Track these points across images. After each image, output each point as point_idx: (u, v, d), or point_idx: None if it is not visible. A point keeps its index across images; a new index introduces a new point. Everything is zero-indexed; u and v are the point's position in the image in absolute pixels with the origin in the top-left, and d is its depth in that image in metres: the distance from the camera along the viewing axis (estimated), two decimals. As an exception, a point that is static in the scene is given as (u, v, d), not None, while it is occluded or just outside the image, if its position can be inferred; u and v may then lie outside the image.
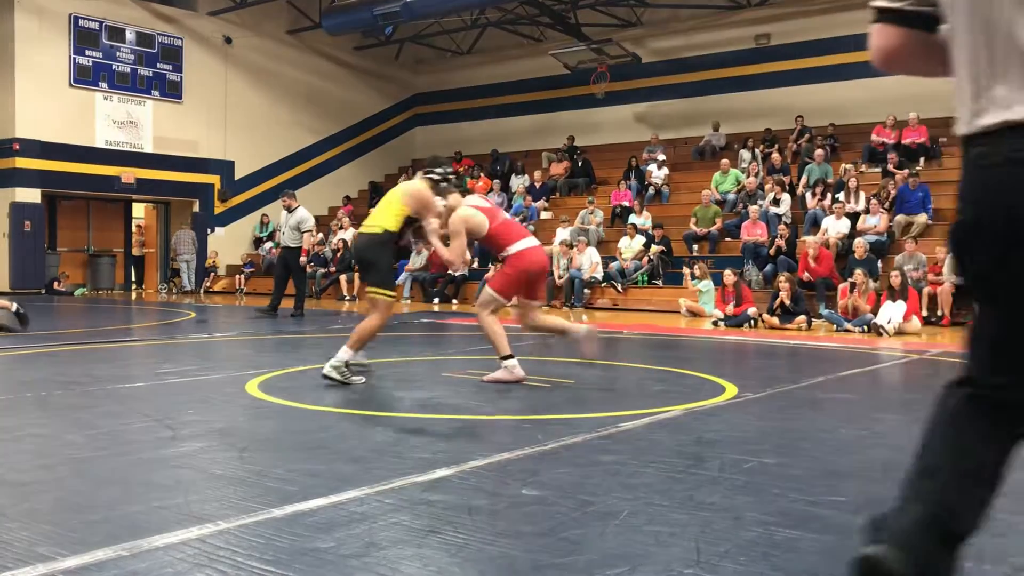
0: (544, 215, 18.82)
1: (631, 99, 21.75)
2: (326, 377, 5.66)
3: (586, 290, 15.39)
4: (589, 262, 15.54)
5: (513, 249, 5.88)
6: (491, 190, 19.99)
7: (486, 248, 6.01)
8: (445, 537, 2.62)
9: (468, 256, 5.96)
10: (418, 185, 5.92)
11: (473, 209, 5.94)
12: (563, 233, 16.72)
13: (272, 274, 18.62)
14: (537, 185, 19.84)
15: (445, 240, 6.00)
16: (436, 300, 16.63)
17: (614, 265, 15.55)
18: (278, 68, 22.46)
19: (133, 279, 22.02)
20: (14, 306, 9.40)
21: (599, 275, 15.49)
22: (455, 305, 16.07)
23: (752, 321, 11.65)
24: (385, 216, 5.89)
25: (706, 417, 4.76)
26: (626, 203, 17.71)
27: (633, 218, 16.63)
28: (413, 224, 5.99)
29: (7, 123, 18.04)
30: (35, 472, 3.40)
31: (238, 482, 3.27)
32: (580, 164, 20.38)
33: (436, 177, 5.88)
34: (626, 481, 3.32)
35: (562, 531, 2.70)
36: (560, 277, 15.59)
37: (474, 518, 2.81)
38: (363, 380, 5.82)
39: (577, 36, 20.69)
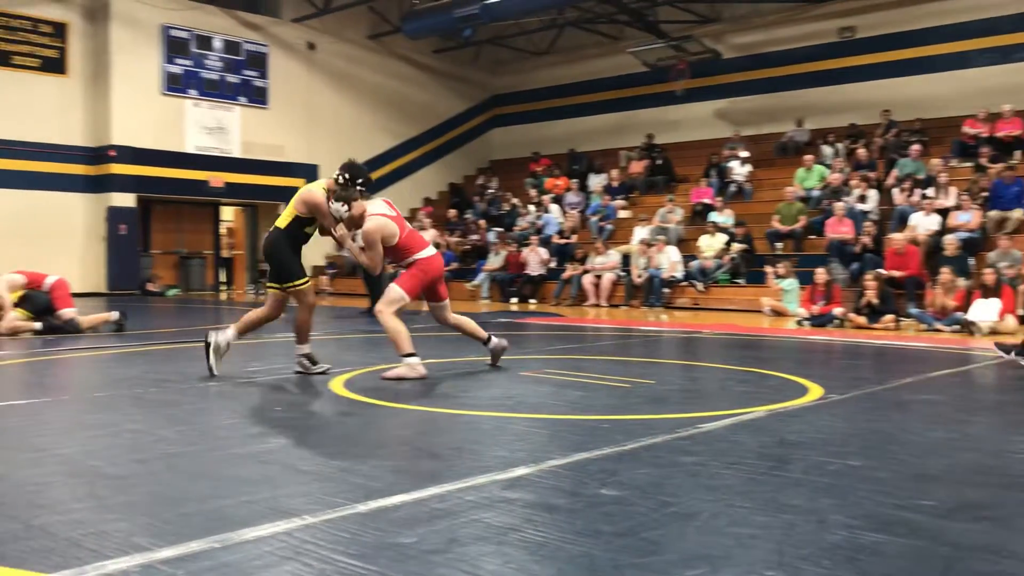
0: (623, 214, 18.72)
1: (711, 95, 21.47)
2: (298, 373, 6.19)
3: (665, 289, 15.25)
4: (668, 261, 15.40)
5: (419, 256, 6.21)
6: (569, 189, 19.98)
7: (389, 256, 6.29)
8: (525, 535, 2.65)
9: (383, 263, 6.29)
10: (311, 188, 6.12)
11: (385, 219, 6.12)
12: (642, 232, 16.61)
13: (357, 275, 18.96)
14: (615, 184, 19.74)
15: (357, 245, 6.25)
16: (514, 300, 16.69)
17: (694, 264, 15.38)
18: (360, 73, 22.85)
19: (222, 280, 22.66)
20: (115, 315, 9.79)
21: (679, 274, 15.33)
22: (532, 305, 16.11)
23: (838, 320, 11.39)
24: (280, 217, 6.25)
25: (789, 418, 4.68)
26: (707, 201, 17.49)
27: (714, 216, 16.41)
28: (310, 223, 6.19)
29: (104, 131, 18.77)
30: (131, 466, 3.55)
31: (323, 478, 3.35)
32: (659, 162, 20.20)
33: (341, 180, 5.96)
34: (707, 482, 3.30)
35: (641, 531, 2.69)
36: (639, 276, 15.49)
37: (554, 517, 2.83)
38: (328, 367, 6.32)
39: (656, 33, 20.51)
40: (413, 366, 6.01)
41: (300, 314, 6.28)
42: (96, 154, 18.88)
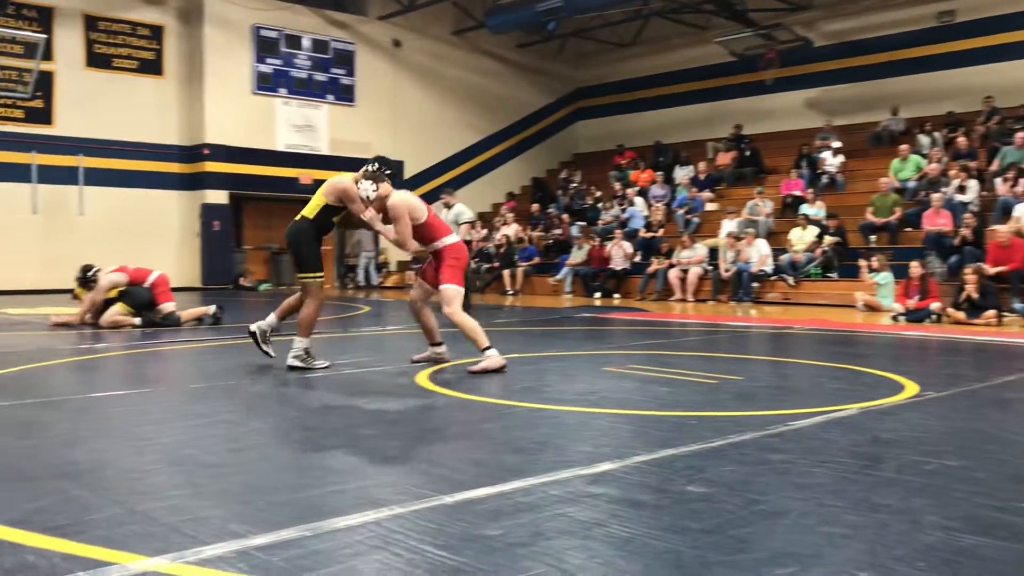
0: (710, 206, 18.45)
1: (802, 85, 20.97)
2: (292, 368, 6.19)
3: (754, 284, 14.97)
4: (758, 254, 15.11)
5: (447, 241, 6.26)
6: (654, 182, 19.79)
7: (420, 238, 6.29)
8: (610, 530, 2.64)
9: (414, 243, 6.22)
10: (340, 176, 6.33)
11: (411, 196, 6.23)
12: (730, 225, 16.34)
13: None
14: (702, 176, 19.46)
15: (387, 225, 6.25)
16: (597, 294, 16.62)
17: (785, 257, 15.05)
18: (444, 69, 23.05)
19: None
20: (212, 308, 10.12)
21: (768, 268, 15.03)
22: (616, 299, 16.02)
23: (935, 316, 11.01)
24: (307, 207, 6.36)
25: (883, 416, 4.55)
26: (797, 192, 17.09)
27: (805, 208, 16.03)
28: (337, 212, 6.32)
29: (198, 130, 19.38)
30: (225, 455, 3.66)
31: (410, 469, 3.40)
32: (748, 153, 19.83)
33: (372, 168, 6.15)
34: (796, 480, 3.23)
35: (729, 529, 2.66)
36: (727, 271, 15.25)
37: (639, 513, 2.81)
38: (327, 364, 6.34)
39: (744, 22, 20.11)
40: (494, 358, 6.06)
41: (307, 308, 6.37)
42: (191, 153, 19.51)
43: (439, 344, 6.60)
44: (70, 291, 10.14)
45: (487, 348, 6.11)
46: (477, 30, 22.38)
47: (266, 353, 6.49)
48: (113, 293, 9.57)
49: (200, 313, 10.06)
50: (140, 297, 9.63)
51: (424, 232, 6.24)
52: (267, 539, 2.53)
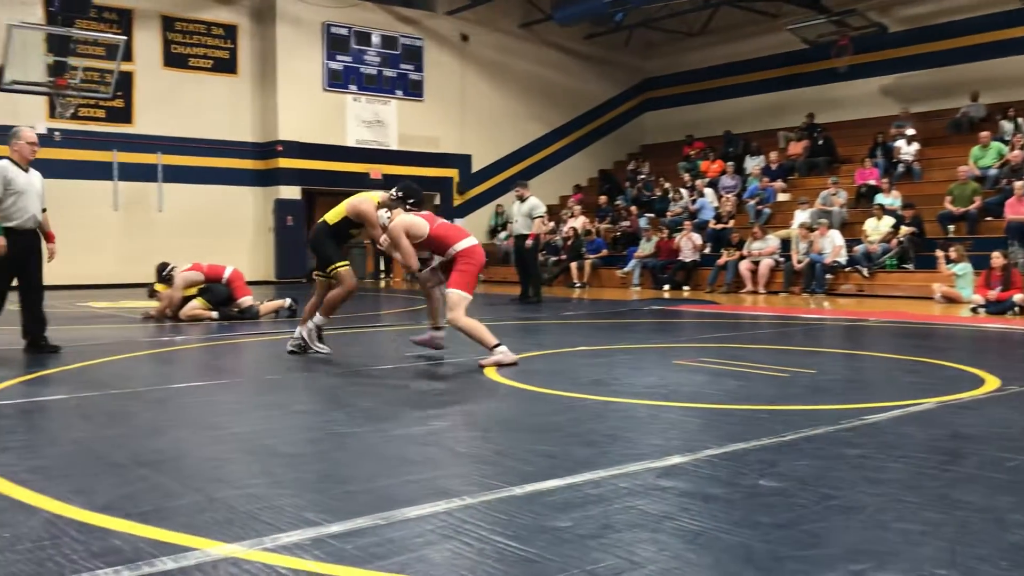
0: (782, 197, 18.12)
1: (876, 71, 20.43)
2: (292, 351, 6.71)
3: (828, 275, 14.67)
4: (831, 245, 14.80)
5: (459, 247, 6.25)
6: (724, 172, 19.52)
7: (431, 250, 6.49)
8: (680, 523, 2.63)
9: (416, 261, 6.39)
10: (365, 198, 6.78)
11: (411, 216, 6.36)
12: (802, 215, 16.03)
13: (509, 263, 19.24)
14: (773, 166, 19.12)
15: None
16: (666, 287, 16.48)
17: (859, 248, 14.71)
18: (511, 62, 23.07)
19: (381, 268, 23.46)
20: (287, 301, 10.35)
21: (842, 259, 14.72)
22: (686, 292, 15.87)
23: (1018, 308, 10.65)
24: (330, 212, 6.89)
25: (963, 411, 4.43)
26: (872, 182, 16.68)
27: (880, 198, 15.64)
28: (355, 226, 6.84)
29: (271, 127, 19.77)
30: (302, 445, 3.75)
31: (480, 460, 3.44)
32: (820, 142, 19.42)
33: (395, 196, 6.55)
34: (872, 475, 3.17)
35: (802, 523, 2.62)
36: (799, 262, 14.97)
37: (710, 506, 2.80)
38: (328, 350, 6.70)
39: (816, 9, 19.69)
40: (505, 354, 6.05)
41: (336, 291, 6.75)
42: (264, 149, 19.90)
43: (439, 328, 6.67)
44: (149, 285, 10.46)
45: (496, 345, 6.07)
46: (544, 23, 22.35)
47: (319, 351, 6.71)
48: (192, 291, 9.87)
49: (276, 306, 10.32)
50: (219, 294, 9.93)
51: (434, 244, 6.34)
52: (341, 527, 2.59)
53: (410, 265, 6.32)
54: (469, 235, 6.49)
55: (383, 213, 6.51)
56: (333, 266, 6.75)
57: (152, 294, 10.27)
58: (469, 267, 6.22)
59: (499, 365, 6.01)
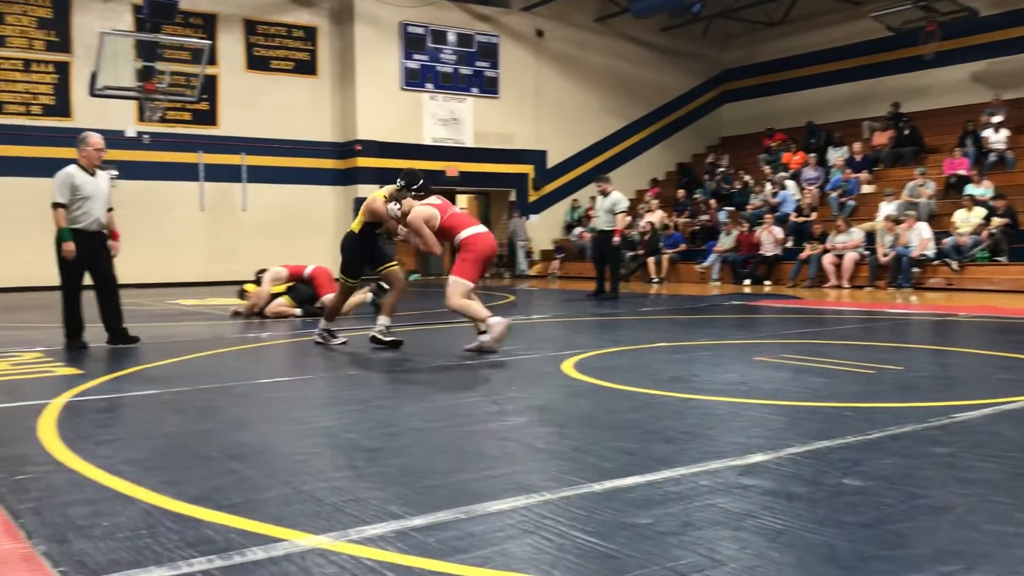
0: (866, 189, 17.67)
1: (966, 58, 19.72)
2: (317, 343, 7.29)
3: (915, 269, 14.26)
4: (919, 238, 14.38)
5: (464, 235, 6.58)
6: (806, 164, 19.12)
7: (442, 239, 6.85)
8: (763, 521, 2.60)
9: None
10: (374, 196, 7.16)
11: (426, 207, 6.70)
12: (888, 207, 15.60)
13: (585, 258, 19.21)
14: (857, 157, 18.65)
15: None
16: (746, 281, 16.22)
17: (948, 241, 14.26)
18: (586, 56, 22.99)
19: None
20: (369, 296, 10.53)
21: (930, 252, 14.28)
22: (767, 287, 15.60)
23: (1119, 301, 10.19)
24: (354, 222, 7.40)
25: (1059, 409, 4.27)
26: (962, 172, 16.14)
27: (970, 188, 15.12)
28: (379, 227, 7.22)
29: (350, 126, 20.10)
30: (383, 439, 3.82)
31: (559, 456, 3.45)
32: (907, 132, 18.87)
33: (398, 186, 6.86)
34: (961, 475, 3.09)
35: (888, 523, 2.57)
36: (885, 255, 14.58)
37: (793, 505, 2.76)
38: (344, 340, 7.30)
39: (902, -6, 19.11)
40: (496, 324, 6.39)
41: (336, 298, 7.56)
42: (344, 149, 20.25)
43: (483, 332, 6.60)
44: (239, 283, 10.78)
45: (489, 318, 6.45)
46: (620, 16, 22.21)
47: (392, 343, 7.04)
48: (280, 288, 10.18)
49: (359, 301, 10.50)
50: (303, 293, 10.25)
51: (445, 234, 6.70)
52: (424, 520, 2.63)
53: (433, 251, 6.78)
54: (475, 223, 6.84)
55: (392, 206, 6.79)
56: (343, 277, 7.36)
57: (242, 294, 10.59)
58: (470, 255, 6.55)
59: (481, 351, 6.39)
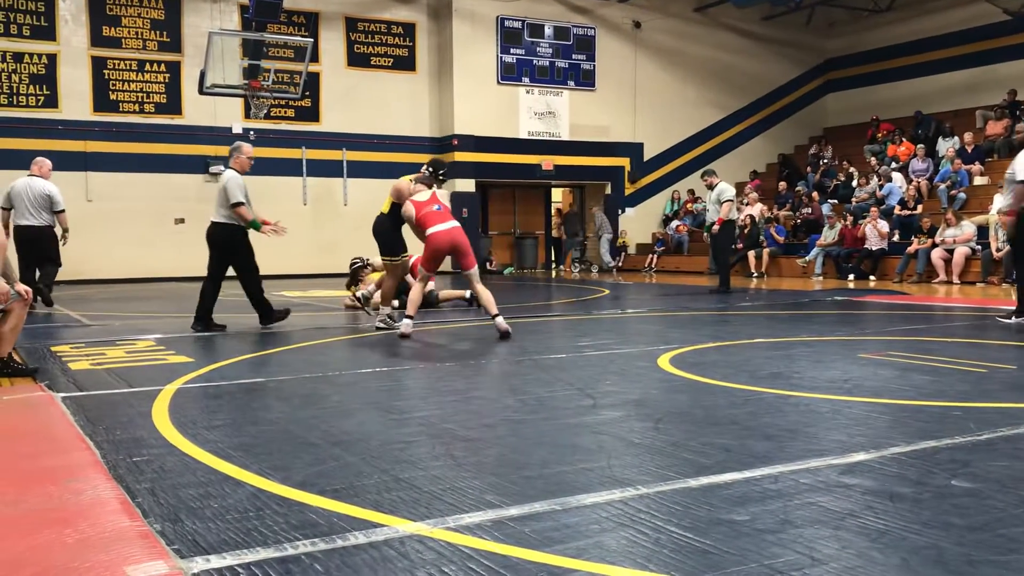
0: (978, 180, 16.93)
1: (1090, 42, 18.71)
2: (378, 328, 7.92)
3: (1031, 264, 13.60)
4: (1034, 232, 13.70)
5: (429, 232, 7.51)
6: (914, 155, 18.44)
7: (418, 233, 7.74)
8: (864, 521, 2.54)
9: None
10: (399, 180, 8.12)
11: (410, 203, 7.68)
12: (1002, 200, 14.92)
13: (682, 252, 18.99)
14: (969, 148, 17.89)
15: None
16: (851, 276, 15.76)
17: (1067, 235, 13.54)
18: (685, 47, 22.67)
19: (552, 259, 23.68)
20: (467, 293, 10.66)
21: (1047, 246, 13.59)
22: (872, 282, 15.13)
23: None
24: (384, 203, 8.21)
25: None
26: (1083, 162, 15.30)
27: (1093, 180, 14.32)
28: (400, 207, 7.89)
29: (447, 121, 20.32)
30: (480, 430, 3.87)
31: (655, 451, 3.44)
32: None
33: (427, 172, 7.85)
34: (1080, 480, 2.95)
35: (999, 527, 2.48)
36: (999, 250, 13.96)
37: (896, 505, 2.69)
38: (397, 325, 7.71)
39: (1019, -24, 18.25)
40: (406, 326, 7.34)
41: (387, 282, 8.30)
42: (441, 144, 20.48)
43: (495, 316, 7.31)
44: (341, 276, 11.03)
45: (406, 316, 7.43)
46: (720, 5, 21.83)
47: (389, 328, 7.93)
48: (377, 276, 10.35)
49: (457, 295, 10.65)
50: (405, 284, 10.36)
51: (417, 229, 7.64)
52: (520, 510, 2.66)
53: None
54: (443, 222, 7.51)
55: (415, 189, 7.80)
56: (390, 258, 8.10)
57: (349, 287, 10.82)
58: (426, 250, 7.52)
59: (403, 335, 7.27)
